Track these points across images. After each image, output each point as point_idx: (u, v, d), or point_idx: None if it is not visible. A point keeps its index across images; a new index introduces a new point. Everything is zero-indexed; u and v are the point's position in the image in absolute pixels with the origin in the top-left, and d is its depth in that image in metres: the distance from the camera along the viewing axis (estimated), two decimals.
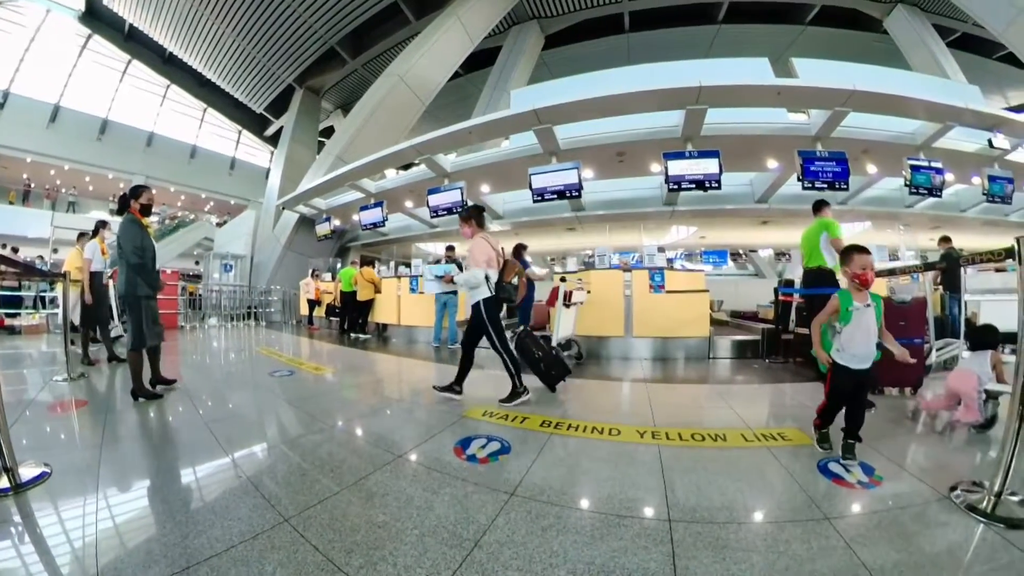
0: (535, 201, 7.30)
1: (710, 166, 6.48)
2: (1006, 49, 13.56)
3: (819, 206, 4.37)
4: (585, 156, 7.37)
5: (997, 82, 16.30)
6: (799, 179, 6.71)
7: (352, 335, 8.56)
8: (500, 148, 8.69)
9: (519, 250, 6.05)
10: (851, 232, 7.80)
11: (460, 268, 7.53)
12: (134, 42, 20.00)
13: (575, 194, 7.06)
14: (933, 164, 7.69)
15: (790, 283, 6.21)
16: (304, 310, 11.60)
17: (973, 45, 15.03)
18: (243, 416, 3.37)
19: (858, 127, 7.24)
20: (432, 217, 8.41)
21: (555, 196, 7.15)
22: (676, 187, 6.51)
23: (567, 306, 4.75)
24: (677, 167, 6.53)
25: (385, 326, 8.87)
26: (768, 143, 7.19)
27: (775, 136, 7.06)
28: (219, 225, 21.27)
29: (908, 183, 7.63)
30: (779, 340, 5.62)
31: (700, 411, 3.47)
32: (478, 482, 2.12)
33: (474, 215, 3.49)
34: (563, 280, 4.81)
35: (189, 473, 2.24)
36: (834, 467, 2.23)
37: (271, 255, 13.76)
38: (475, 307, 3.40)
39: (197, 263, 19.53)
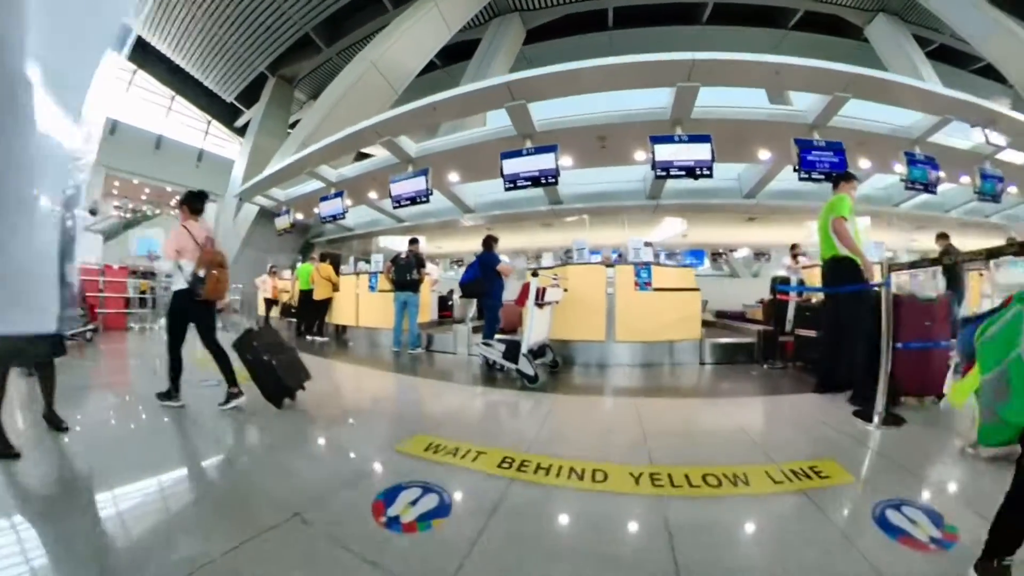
0: (507, 189, 6.40)
1: (701, 152, 5.68)
2: (981, 62, 13.50)
3: (840, 179, 3.47)
4: (563, 140, 6.49)
5: (972, 93, 16.25)
6: (795, 169, 5.98)
7: (308, 338, 7.50)
8: (469, 131, 7.76)
9: (489, 242, 5.11)
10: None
11: (422, 264, 6.63)
12: None
13: (551, 180, 6.18)
14: (929, 158, 7.11)
15: (786, 280, 5.46)
16: (262, 310, 10.41)
17: (950, 56, 14.91)
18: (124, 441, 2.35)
19: (855, 117, 6.58)
20: (395, 207, 7.41)
21: (529, 183, 6.26)
22: (664, 174, 5.69)
23: (539, 306, 3.85)
24: (665, 152, 5.71)
25: (344, 328, 7.81)
26: (761, 130, 6.45)
27: (769, 123, 6.34)
28: None
29: (905, 178, 7.03)
30: (777, 343, 4.84)
31: (706, 438, 2.59)
32: (395, 572, 1.30)
33: (187, 200, 3.09)
34: (534, 275, 3.90)
35: None
36: (895, 517, 1.58)
37: (230, 251, 12.50)
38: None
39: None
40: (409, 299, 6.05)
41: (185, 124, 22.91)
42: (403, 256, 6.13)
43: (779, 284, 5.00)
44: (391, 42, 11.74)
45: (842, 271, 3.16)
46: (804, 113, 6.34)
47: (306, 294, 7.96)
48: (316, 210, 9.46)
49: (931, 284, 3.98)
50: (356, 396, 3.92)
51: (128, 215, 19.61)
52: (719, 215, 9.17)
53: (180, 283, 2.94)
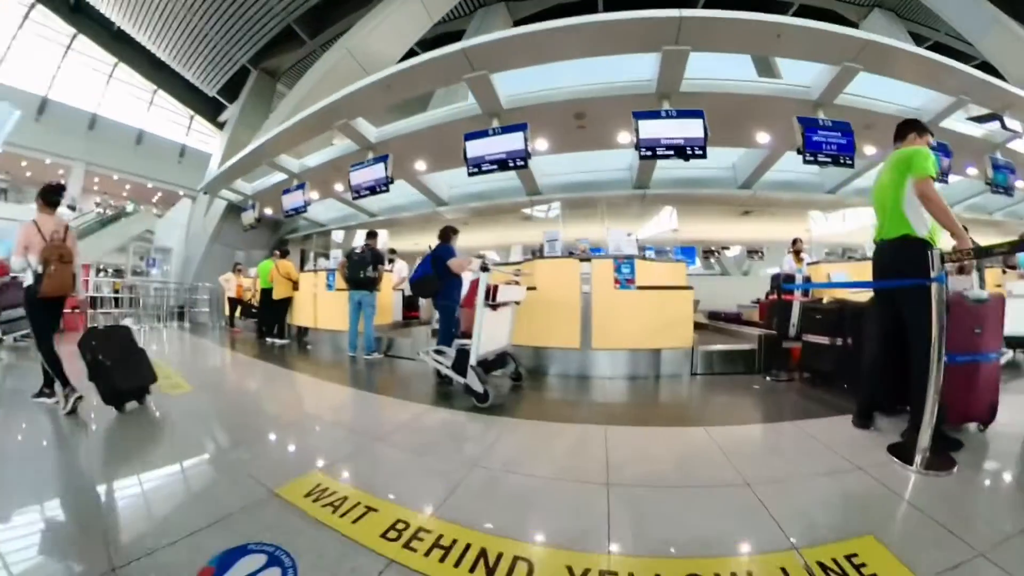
0: (470, 174, 5.65)
1: (693, 128, 4.91)
2: (977, 60, 12.98)
3: (908, 128, 2.43)
4: (535, 118, 5.72)
5: None
6: (799, 151, 5.24)
7: (268, 341, 6.74)
8: (431, 112, 6.99)
9: (447, 233, 4.34)
10: (861, 220, 6.41)
11: (380, 261, 5.85)
12: (81, 15, 17.75)
13: (520, 163, 5.41)
14: (941, 144, 6.39)
15: (790, 278, 4.72)
16: (227, 310, 9.62)
17: (945, 53, 14.37)
18: None
19: (861, 96, 5.84)
20: (354, 198, 6.61)
21: (495, 166, 5.50)
22: (649, 154, 4.92)
23: (492, 307, 3.08)
24: (651, 129, 4.95)
25: (305, 330, 7.04)
26: (760, 108, 5.70)
27: (769, 99, 5.58)
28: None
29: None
30: (780, 350, 4.11)
31: (695, 500, 1.81)
32: None
33: (42, 194, 2.94)
34: (484, 269, 3.12)
35: None
36: None
37: (199, 248, 11.69)
38: None
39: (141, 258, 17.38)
40: (364, 299, 5.29)
41: (167, 119, 22.06)
42: (358, 251, 5.37)
43: (783, 282, 4.26)
44: (369, 29, 10.98)
45: (914, 259, 2.12)
46: (808, 89, 5.60)
47: (266, 293, 7.19)
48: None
49: (975, 282, 3.24)
50: (264, 411, 3.16)
51: (108, 211, 18.73)
52: (712, 209, 8.43)
53: (29, 278, 2.83)
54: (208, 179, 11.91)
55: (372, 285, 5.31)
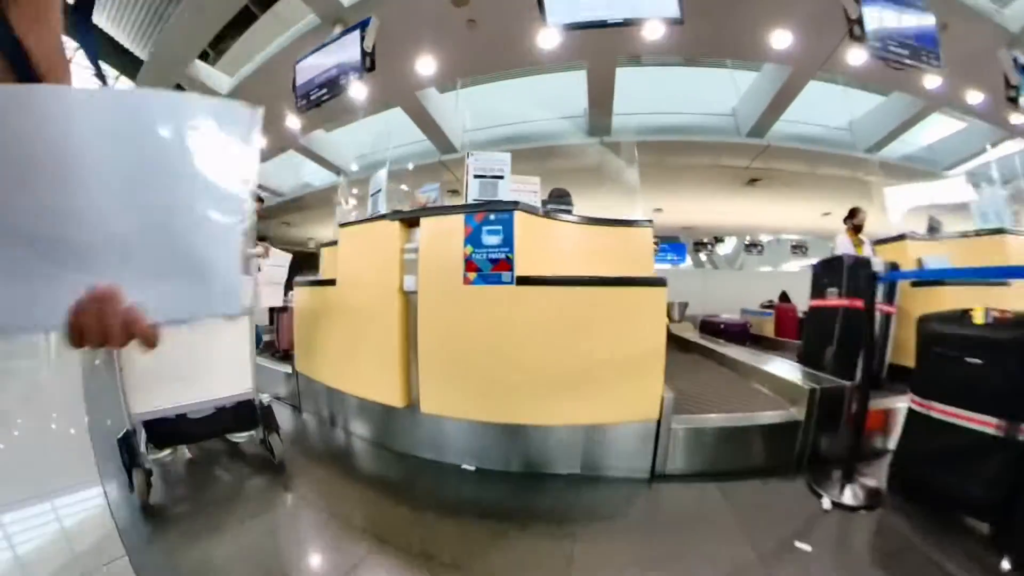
0: (300, 107, 3.43)
1: None
2: None
3: None
4: (390, 13, 3.38)
5: None
6: (851, 34, 2.89)
7: None
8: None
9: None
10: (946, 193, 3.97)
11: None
12: None
13: (355, 77, 3.16)
14: None
15: (863, 263, 2.40)
16: None
17: None
18: None
19: None
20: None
21: (324, 91, 3.35)
22: (580, 24, 2.53)
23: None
24: None
25: None
26: None
27: None
28: None
29: (1012, 86, 3.94)
30: (860, 417, 1.77)
31: None
32: None
33: None
34: None
35: None
36: None
37: None
38: None
39: None
40: None
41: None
42: None
43: (868, 272, 1.92)
44: None
45: None
46: None
47: None
48: None
49: None
50: None
51: None
52: (706, 177, 6.04)
53: None
54: None
55: None
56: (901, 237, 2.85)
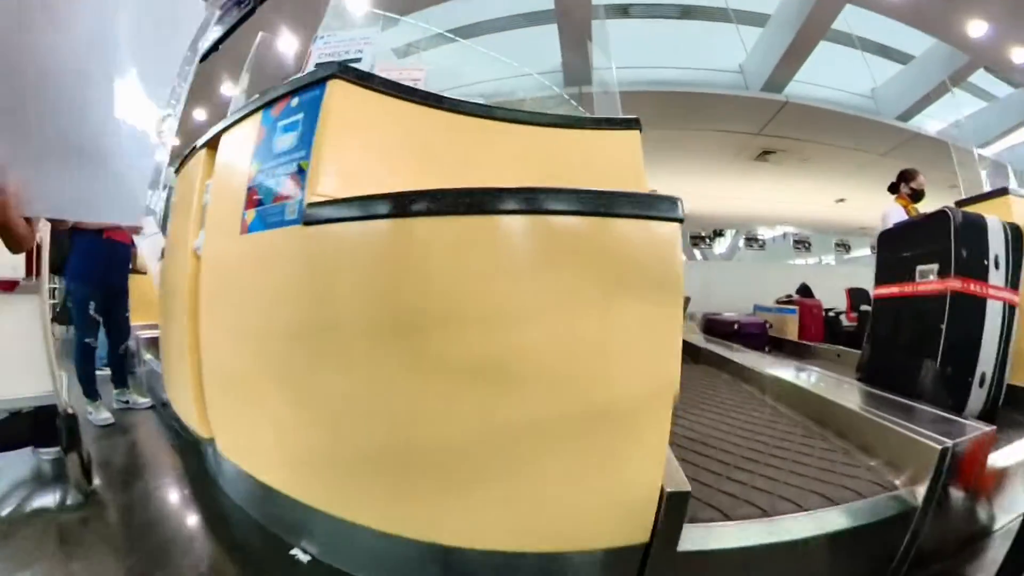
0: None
1: None
2: None
3: None
4: None
5: None
6: None
7: None
8: None
9: None
10: None
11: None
12: None
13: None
14: None
15: (985, 229, 1.48)
16: None
17: None
18: None
19: None
20: None
21: None
22: None
23: None
24: None
25: None
26: None
27: None
28: None
29: None
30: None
31: None
32: None
33: None
34: None
35: None
36: None
37: None
38: None
39: None
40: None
41: None
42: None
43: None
44: None
45: None
46: None
47: None
48: None
49: None
50: None
51: None
52: (712, 145, 5.09)
53: None
54: None
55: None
56: (1003, 192, 1.94)
